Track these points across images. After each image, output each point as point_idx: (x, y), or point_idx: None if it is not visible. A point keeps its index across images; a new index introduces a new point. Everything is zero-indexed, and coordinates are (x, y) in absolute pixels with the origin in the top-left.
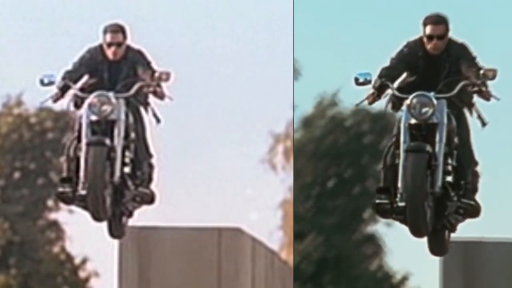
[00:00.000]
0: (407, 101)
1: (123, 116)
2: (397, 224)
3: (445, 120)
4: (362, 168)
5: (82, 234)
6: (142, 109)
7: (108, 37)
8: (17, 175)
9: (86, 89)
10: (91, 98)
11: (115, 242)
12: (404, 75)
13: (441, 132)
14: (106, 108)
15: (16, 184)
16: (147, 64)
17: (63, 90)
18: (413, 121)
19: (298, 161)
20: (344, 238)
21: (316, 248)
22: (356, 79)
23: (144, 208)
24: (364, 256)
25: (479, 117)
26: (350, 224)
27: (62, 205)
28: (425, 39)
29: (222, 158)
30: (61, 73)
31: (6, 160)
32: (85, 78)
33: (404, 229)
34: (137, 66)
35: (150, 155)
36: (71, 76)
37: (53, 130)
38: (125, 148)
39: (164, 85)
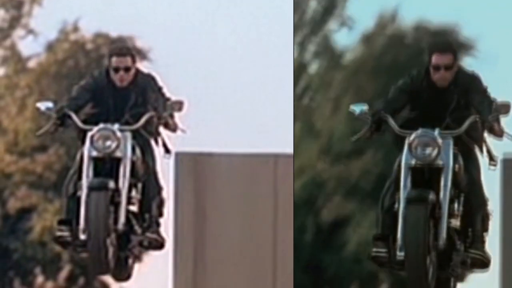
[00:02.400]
0: (408, 140)
1: (129, 153)
2: None
3: (451, 162)
4: None
5: None
6: (152, 141)
7: (114, 61)
8: None
9: (89, 120)
10: (94, 132)
11: (170, 169)
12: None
13: (447, 176)
14: (110, 144)
15: None
16: (158, 91)
17: (63, 119)
18: (414, 162)
19: (358, 77)
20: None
21: (375, 163)
22: (352, 112)
23: (199, 133)
24: None
25: (490, 156)
26: None
27: None
28: (431, 69)
29: None
30: (61, 101)
31: (62, 86)
32: (88, 107)
33: None
34: (147, 93)
35: (160, 189)
36: (72, 104)
37: None
38: (131, 186)
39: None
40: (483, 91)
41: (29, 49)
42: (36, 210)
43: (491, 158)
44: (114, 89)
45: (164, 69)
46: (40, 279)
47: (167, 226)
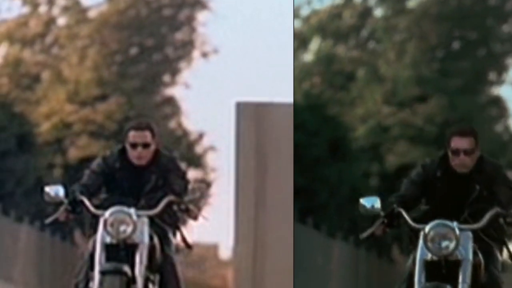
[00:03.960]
0: (423, 232)
1: (146, 239)
2: None
3: (471, 256)
4: (487, 30)
5: (198, 110)
6: (170, 233)
7: (132, 136)
8: (134, 51)
9: (103, 205)
10: (107, 216)
11: (232, 117)
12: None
13: (465, 271)
14: (125, 228)
15: (133, 60)
16: (180, 174)
17: (74, 205)
18: (430, 256)
19: (423, 23)
20: (468, 100)
21: (440, 109)
22: (362, 206)
23: (261, 82)
24: (488, 118)
25: (510, 257)
26: (475, 86)
27: (178, 80)
28: (449, 154)
29: None
30: (71, 186)
31: (123, 36)
32: (102, 191)
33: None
34: (167, 176)
35: (178, 283)
36: (84, 189)
37: (170, 7)
38: (148, 279)
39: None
40: (509, 182)
41: None
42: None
43: None
44: (131, 169)
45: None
46: None
47: (229, 174)
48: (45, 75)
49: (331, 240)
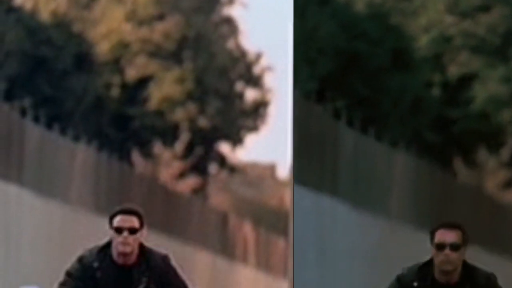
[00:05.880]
0: None
1: None
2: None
3: None
4: None
5: (257, 29)
6: None
7: (117, 221)
8: None
9: None
10: None
11: (289, 37)
12: None
13: None
14: None
15: None
16: (180, 278)
17: None
18: None
19: None
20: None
21: (503, 19)
22: None
23: None
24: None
25: None
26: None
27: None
28: (433, 252)
29: None
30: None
31: None
32: None
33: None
34: (163, 277)
35: None
36: None
37: None
38: None
39: None
40: None
41: None
42: (153, 79)
43: None
44: (115, 269)
45: None
46: (158, 147)
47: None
48: None
49: (393, 150)
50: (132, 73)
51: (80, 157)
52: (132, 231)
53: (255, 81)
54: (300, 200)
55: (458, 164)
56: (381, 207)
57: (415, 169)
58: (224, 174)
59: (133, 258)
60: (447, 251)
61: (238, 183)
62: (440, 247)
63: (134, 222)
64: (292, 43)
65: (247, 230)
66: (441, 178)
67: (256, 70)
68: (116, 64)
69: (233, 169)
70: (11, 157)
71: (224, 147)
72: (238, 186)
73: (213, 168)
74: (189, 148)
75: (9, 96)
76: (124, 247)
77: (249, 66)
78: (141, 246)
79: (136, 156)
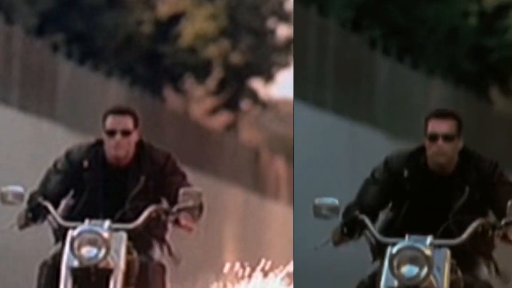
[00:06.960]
0: (389, 253)
1: (122, 263)
2: None
3: (446, 284)
4: None
5: None
6: (156, 245)
7: (110, 122)
8: None
9: (73, 214)
10: (74, 234)
11: None
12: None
13: None
14: (97, 252)
15: None
16: (181, 177)
17: (36, 213)
18: (397, 285)
19: None
20: None
21: None
22: (317, 209)
23: None
24: None
25: (498, 274)
26: None
27: None
28: (426, 143)
29: None
30: (33, 187)
31: None
32: (69, 196)
33: None
34: (162, 176)
35: None
36: (48, 192)
37: None
38: None
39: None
40: (509, 183)
41: None
42: (185, 16)
43: (502, 278)
44: (108, 168)
45: None
46: (190, 84)
47: None
48: None
49: (429, 79)
50: (164, 10)
51: (112, 93)
52: (126, 133)
53: (287, 17)
54: (336, 131)
55: (494, 92)
56: (417, 136)
57: (451, 98)
58: (256, 110)
59: (128, 160)
60: (440, 142)
61: (270, 119)
62: (433, 137)
63: (128, 123)
64: None
65: (279, 165)
66: (477, 107)
67: (288, 5)
68: (148, 0)
69: (265, 105)
70: (43, 93)
71: (256, 83)
72: (270, 122)
73: (245, 104)
74: (221, 84)
75: (41, 31)
76: (117, 151)
77: (281, 2)
78: (140, 144)
79: (168, 92)
